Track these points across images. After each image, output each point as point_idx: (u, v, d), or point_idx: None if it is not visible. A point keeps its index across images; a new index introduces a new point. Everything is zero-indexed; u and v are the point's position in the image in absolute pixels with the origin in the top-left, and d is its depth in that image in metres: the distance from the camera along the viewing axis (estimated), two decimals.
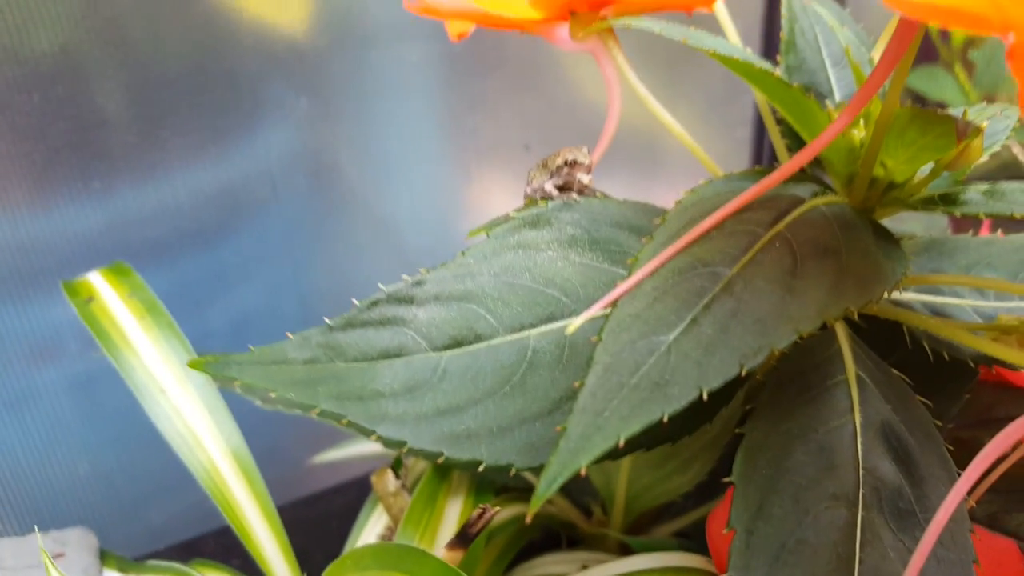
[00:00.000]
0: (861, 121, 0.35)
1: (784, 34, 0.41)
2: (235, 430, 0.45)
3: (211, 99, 0.64)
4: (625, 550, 0.46)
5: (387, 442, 0.32)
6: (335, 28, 0.68)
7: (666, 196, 0.39)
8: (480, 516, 0.35)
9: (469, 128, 0.76)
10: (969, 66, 0.85)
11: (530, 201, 0.39)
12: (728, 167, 0.38)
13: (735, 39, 0.40)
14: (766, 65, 0.34)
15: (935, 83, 0.83)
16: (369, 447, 0.64)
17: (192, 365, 0.32)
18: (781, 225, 0.31)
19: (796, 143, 0.39)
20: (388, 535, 0.46)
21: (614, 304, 0.29)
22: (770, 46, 0.80)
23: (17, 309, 0.62)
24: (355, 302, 0.33)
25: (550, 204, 0.36)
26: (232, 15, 0.64)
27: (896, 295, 0.38)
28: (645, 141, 0.82)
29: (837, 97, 0.40)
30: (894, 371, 0.35)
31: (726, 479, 0.30)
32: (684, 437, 0.33)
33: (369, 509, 0.48)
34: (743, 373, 0.26)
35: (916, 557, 0.27)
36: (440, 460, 0.31)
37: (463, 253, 0.35)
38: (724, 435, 0.43)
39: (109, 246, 0.64)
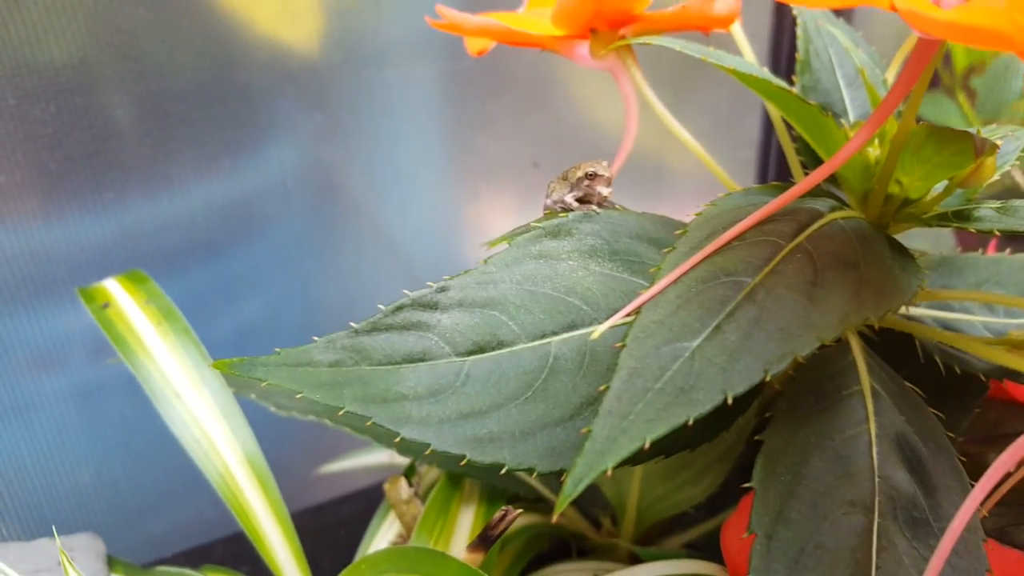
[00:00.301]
0: (876, 140, 0.36)
1: (800, 55, 0.41)
2: (250, 436, 0.45)
3: (224, 113, 0.65)
4: (635, 561, 0.46)
5: (409, 445, 0.32)
6: (347, 46, 0.69)
7: (672, 215, 0.39)
8: (502, 518, 0.35)
9: (478, 146, 0.77)
10: (971, 93, 0.86)
11: (550, 212, 0.39)
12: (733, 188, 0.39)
13: (751, 58, 0.41)
14: (784, 84, 0.35)
15: (938, 109, 0.84)
16: (375, 458, 0.64)
17: (217, 366, 0.33)
18: (802, 237, 0.31)
19: (812, 160, 0.39)
20: (400, 542, 0.46)
21: (637, 312, 0.29)
22: (777, 66, 0.81)
23: (28, 317, 0.62)
24: (380, 307, 0.33)
25: (570, 215, 0.37)
26: (246, 31, 0.65)
27: (908, 310, 0.39)
28: (652, 160, 0.82)
29: (851, 116, 0.40)
30: (907, 383, 0.35)
31: (746, 484, 0.31)
32: (704, 443, 0.34)
33: (381, 517, 0.48)
34: (767, 378, 0.27)
35: (933, 564, 0.28)
36: (463, 463, 0.31)
37: (486, 261, 0.35)
38: (737, 447, 0.44)
39: (120, 256, 0.64)
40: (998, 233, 0.33)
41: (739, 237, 0.31)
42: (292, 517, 0.45)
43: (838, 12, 0.44)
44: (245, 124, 0.66)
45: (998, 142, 0.32)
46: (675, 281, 0.30)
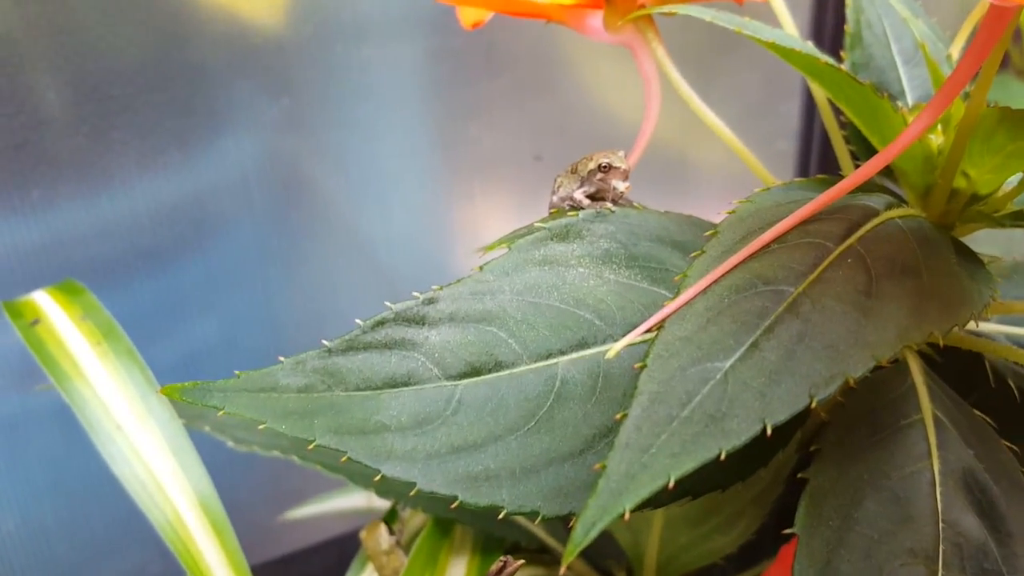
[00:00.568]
0: (939, 126, 0.36)
1: (849, 27, 0.41)
2: (203, 475, 0.45)
3: (173, 97, 0.65)
4: None
5: (390, 485, 0.32)
6: (318, 19, 0.69)
7: (700, 214, 0.39)
8: (500, 571, 0.35)
9: (471, 136, 0.77)
10: None
11: (557, 211, 0.39)
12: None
13: (792, 31, 0.41)
14: (831, 60, 0.35)
15: (1006, 92, 0.84)
16: (351, 501, 0.64)
17: (166, 392, 0.32)
18: (853, 239, 0.31)
19: (863, 150, 0.39)
20: None
21: (660, 327, 0.29)
22: (821, 40, 0.81)
23: None
24: (358, 322, 0.33)
25: (581, 214, 0.37)
26: (200, 1, 0.65)
27: (978, 325, 0.38)
28: (675, 152, 0.82)
29: (909, 98, 0.40)
30: (975, 411, 0.35)
31: (787, 531, 0.31)
32: (737, 483, 0.34)
33: (356, 570, 0.48)
34: (813, 405, 0.27)
35: None
36: (454, 505, 0.31)
37: (481, 268, 0.35)
38: (775, 487, 0.44)
39: (52, 265, 0.64)
40: None
41: (779, 239, 0.31)
42: (253, 571, 0.45)
43: None
44: (198, 111, 0.66)
45: None
46: (704, 291, 0.30)
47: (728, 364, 0.28)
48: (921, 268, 0.31)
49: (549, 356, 0.33)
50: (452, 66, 0.75)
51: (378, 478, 0.31)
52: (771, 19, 0.42)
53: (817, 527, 0.30)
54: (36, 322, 0.48)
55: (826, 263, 0.30)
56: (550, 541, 0.48)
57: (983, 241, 0.49)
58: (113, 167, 0.64)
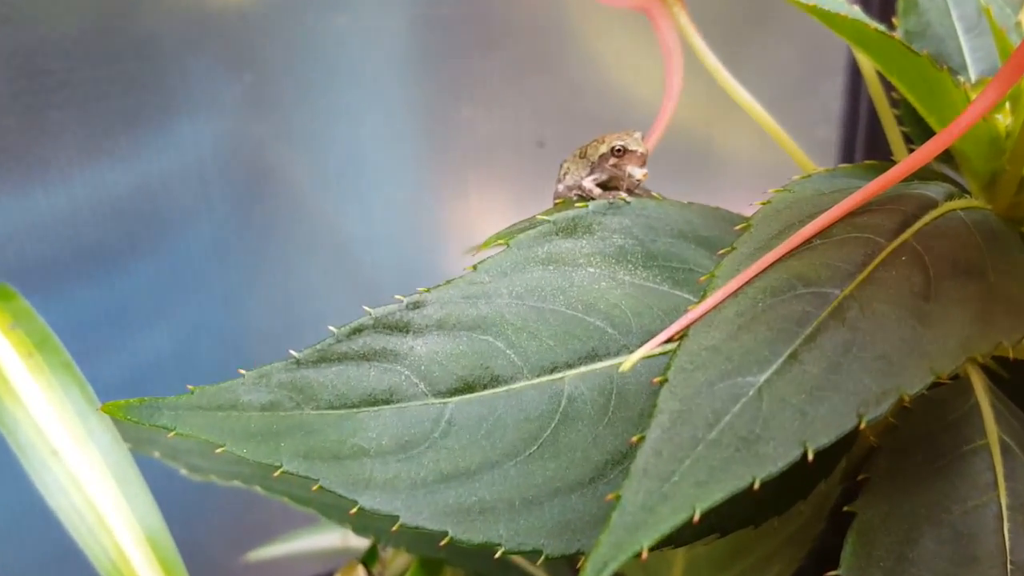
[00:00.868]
0: (1007, 103, 0.36)
1: None
2: (152, 507, 0.44)
3: (120, 73, 0.65)
4: None
5: (369, 520, 0.32)
6: None
7: (728, 205, 0.39)
8: None
9: (463, 118, 0.77)
10: None
11: (563, 202, 0.39)
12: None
13: None
14: (882, 28, 0.35)
15: None
16: (323, 539, 0.64)
17: (108, 411, 0.32)
18: (908, 233, 0.31)
19: (919, 131, 0.39)
20: None
21: (683, 335, 0.29)
22: (868, 5, 0.80)
23: None
24: (332, 329, 0.33)
25: (591, 205, 0.37)
26: None
27: None
28: (700, 134, 0.82)
29: (972, 72, 0.40)
30: None
31: (831, 574, 0.30)
32: (772, 517, 0.33)
33: None
34: (862, 426, 0.26)
35: None
36: (443, 542, 0.31)
37: (475, 267, 0.35)
38: (816, 522, 0.43)
39: None
40: None
41: (822, 234, 0.31)
42: None
43: None
44: (148, 88, 0.66)
45: None
46: (734, 294, 0.30)
47: (763, 378, 0.28)
48: (987, 268, 0.31)
49: (554, 370, 0.33)
50: (441, 38, 0.75)
51: (355, 511, 0.31)
52: None
53: (867, 569, 0.30)
54: None
55: (877, 261, 0.30)
56: None
57: None
58: (49, 153, 0.64)
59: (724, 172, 0.86)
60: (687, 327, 0.29)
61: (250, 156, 0.71)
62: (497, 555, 0.31)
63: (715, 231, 0.36)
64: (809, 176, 0.35)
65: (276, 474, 0.31)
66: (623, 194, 0.38)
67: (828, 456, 0.30)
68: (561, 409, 0.33)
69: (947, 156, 0.37)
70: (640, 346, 0.32)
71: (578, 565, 0.26)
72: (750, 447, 0.26)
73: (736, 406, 0.27)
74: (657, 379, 0.28)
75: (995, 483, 0.32)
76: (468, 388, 0.33)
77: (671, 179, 0.46)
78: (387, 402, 0.33)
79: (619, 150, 0.38)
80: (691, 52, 0.42)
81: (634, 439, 0.27)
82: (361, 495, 0.31)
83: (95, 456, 0.45)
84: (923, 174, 0.35)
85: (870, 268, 0.30)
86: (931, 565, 0.30)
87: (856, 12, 0.36)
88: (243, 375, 0.33)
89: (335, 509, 0.45)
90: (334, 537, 0.63)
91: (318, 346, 0.33)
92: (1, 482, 0.50)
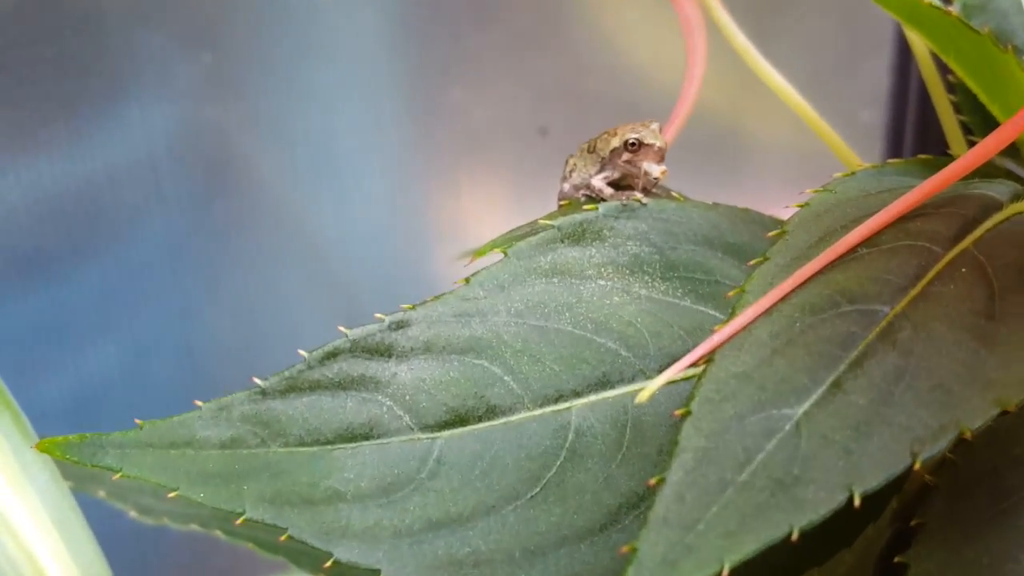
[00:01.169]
0: None
1: None
2: (97, 556, 0.44)
3: (61, 53, 0.65)
4: None
5: (346, 573, 0.32)
6: None
7: (759, 206, 0.39)
8: None
9: (454, 104, 0.77)
10: None
11: (569, 203, 0.39)
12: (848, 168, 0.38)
13: None
14: (936, 1, 0.35)
15: None
16: None
17: (45, 448, 0.32)
18: (968, 240, 0.31)
19: (980, 122, 0.39)
20: None
21: (709, 360, 0.29)
22: None
23: None
24: (302, 353, 0.33)
25: (601, 208, 0.37)
26: None
27: None
28: (726, 124, 0.82)
29: None
30: None
31: None
32: (812, 569, 0.33)
33: None
34: (916, 465, 0.26)
35: None
36: None
37: (468, 280, 0.35)
38: (858, 573, 0.43)
39: None
40: None
41: (869, 241, 0.31)
42: None
43: None
44: (91, 70, 0.66)
45: None
46: (768, 312, 0.30)
47: (801, 410, 0.27)
48: None
49: (559, 399, 0.33)
50: (430, 12, 0.75)
51: (329, 563, 0.31)
52: None
53: None
54: None
55: (932, 274, 0.30)
56: None
57: None
58: None
59: (754, 166, 0.86)
60: (713, 350, 0.29)
61: (209, 147, 0.71)
62: None
63: (745, 237, 0.36)
64: (853, 174, 0.34)
65: (238, 522, 0.31)
66: (638, 194, 0.38)
67: (876, 498, 0.29)
68: (567, 445, 0.33)
69: (1012, 150, 0.37)
70: (659, 372, 0.32)
71: None
72: (787, 491, 0.26)
73: (771, 443, 0.27)
74: (679, 411, 0.28)
75: None
76: (460, 421, 0.33)
77: (693, 175, 0.46)
78: (366, 437, 0.33)
79: (633, 144, 0.38)
80: (715, 27, 0.42)
81: (652, 481, 0.27)
82: (336, 546, 0.31)
83: (30, 496, 0.45)
84: (985, 171, 0.35)
85: (925, 281, 0.30)
86: None
87: None
88: (200, 407, 0.33)
89: (307, 558, 0.45)
90: None
91: (286, 373, 0.33)
92: None
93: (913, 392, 0.27)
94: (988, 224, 0.32)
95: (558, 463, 0.32)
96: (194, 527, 0.48)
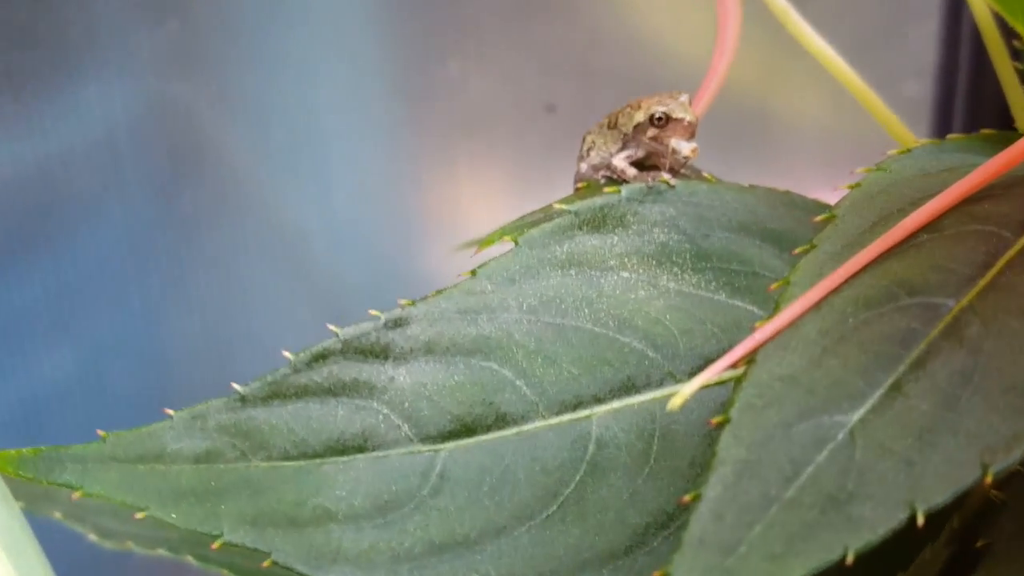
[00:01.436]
0: None
1: None
2: None
3: (6, 21, 0.65)
4: None
5: None
6: None
7: (800, 188, 0.39)
8: None
9: (451, 78, 0.77)
10: None
11: (587, 185, 0.39)
12: (891, 146, 0.38)
13: None
14: None
15: None
16: None
17: None
18: None
19: None
20: None
21: (750, 361, 0.29)
22: None
23: None
24: (287, 355, 0.33)
25: (624, 191, 0.36)
26: None
27: None
28: (758, 98, 0.82)
29: None
30: None
31: None
32: None
33: None
34: (988, 479, 0.26)
35: None
36: None
37: (474, 272, 0.35)
38: None
39: None
40: None
41: (930, 226, 0.31)
42: None
43: None
44: (43, 42, 0.66)
45: None
46: (817, 306, 0.30)
47: (855, 417, 0.27)
48: None
49: (578, 406, 0.33)
50: None
51: None
52: None
53: None
54: None
55: (1003, 262, 0.30)
56: None
57: None
58: None
59: (788, 144, 0.86)
60: (755, 350, 0.29)
61: (175, 127, 0.71)
62: None
63: (786, 222, 0.36)
64: (909, 151, 0.34)
65: (215, 546, 0.31)
66: (665, 175, 0.37)
67: (938, 516, 0.29)
68: (588, 457, 0.33)
69: None
70: (690, 375, 0.33)
71: None
72: (841, 508, 0.26)
73: (821, 454, 0.27)
74: (716, 419, 0.28)
75: None
76: (466, 431, 0.33)
77: (725, 153, 0.45)
78: (360, 450, 0.33)
79: (660, 118, 0.38)
80: None
81: (686, 498, 0.27)
82: (327, 572, 0.31)
83: None
84: None
85: (994, 271, 0.30)
86: None
87: None
88: (171, 416, 0.33)
89: None
90: None
91: (269, 378, 0.33)
92: None
93: (983, 395, 0.27)
94: None
95: (577, 478, 0.32)
96: (162, 552, 0.48)
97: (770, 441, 0.27)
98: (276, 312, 0.78)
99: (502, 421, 0.33)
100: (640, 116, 0.38)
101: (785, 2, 0.40)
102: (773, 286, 0.31)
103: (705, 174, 0.38)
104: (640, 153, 0.38)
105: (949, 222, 0.31)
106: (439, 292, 0.34)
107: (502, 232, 0.36)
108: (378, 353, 0.33)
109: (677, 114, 0.38)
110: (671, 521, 0.32)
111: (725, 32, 0.42)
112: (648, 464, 0.32)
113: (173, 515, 0.31)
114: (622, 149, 0.39)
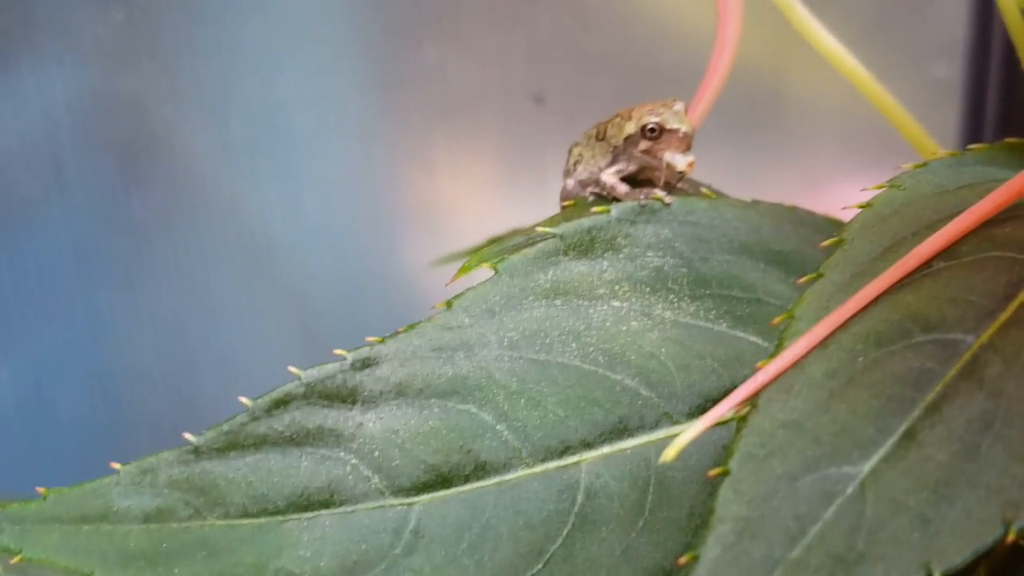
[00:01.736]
0: None
1: None
2: None
3: None
4: None
5: None
6: None
7: (811, 202, 0.39)
8: None
9: (430, 66, 0.77)
10: None
11: (574, 203, 0.39)
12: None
13: None
14: None
15: None
16: None
17: None
18: None
19: None
20: None
21: (752, 404, 0.29)
22: None
23: None
24: (244, 401, 0.33)
25: (614, 210, 0.37)
26: None
27: None
28: (767, 94, 0.82)
29: None
30: None
31: None
32: None
33: None
34: (1010, 537, 0.26)
35: None
36: None
37: (449, 304, 0.35)
38: None
39: None
40: None
41: (947, 252, 0.31)
42: None
43: None
44: None
45: None
46: (824, 343, 0.30)
47: (866, 468, 0.28)
48: None
49: (565, 452, 0.33)
50: None
51: None
52: None
53: None
54: None
55: None
56: None
57: None
58: None
59: (810, 126, 0.85)
60: (756, 393, 0.29)
61: (123, 123, 0.71)
62: None
63: (793, 243, 0.36)
64: (926, 164, 0.34)
65: None
66: (659, 192, 0.38)
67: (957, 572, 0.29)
68: (576, 509, 0.33)
69: None
70: (690, 415, 0.33)
71: None
72: (850, 570, 0.26)
73: (829, 510, 0.27)
74: (714, 471, 0.28)
75: None
76: (442, 482, 0.33)
77: (729, 160, 0.45)
78: (326, 505, 0.33)
79: (653, 130, 0.38)
80: None
81: (682, 559, 0.27)
82: None
83: None
84: None
85: (1016, 303, 0.30)
86: None
87: None
88: (118, 470, 0.33)
89: None
90: None
91: (225, 426, 0.33)
92: None
93: (1004, 444, 0.28)
94: None
95: (565, 532, 0.32)
96: None
97: (773, 496, 0.27)
98: (240, 327, 0.78)
99: (482, 470, 0.33)
100: (631, 127, 0.38)
101: None
102: (775, 320, 0.31)
103: (704, 189, 0.38)
104: (632, 167, 0.39)
105: (967, 248, 0.31)
106: (411, 327, 0.34)
107: (480, 258, 0.36)
108: (344, 397, 0.33)
109: (671, 125, 0.38)
110: None
111: (726, 26, 0.42)
112: (643, 516, 0.32)
113: None
114: (612, 163, 0.39)
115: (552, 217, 0.37)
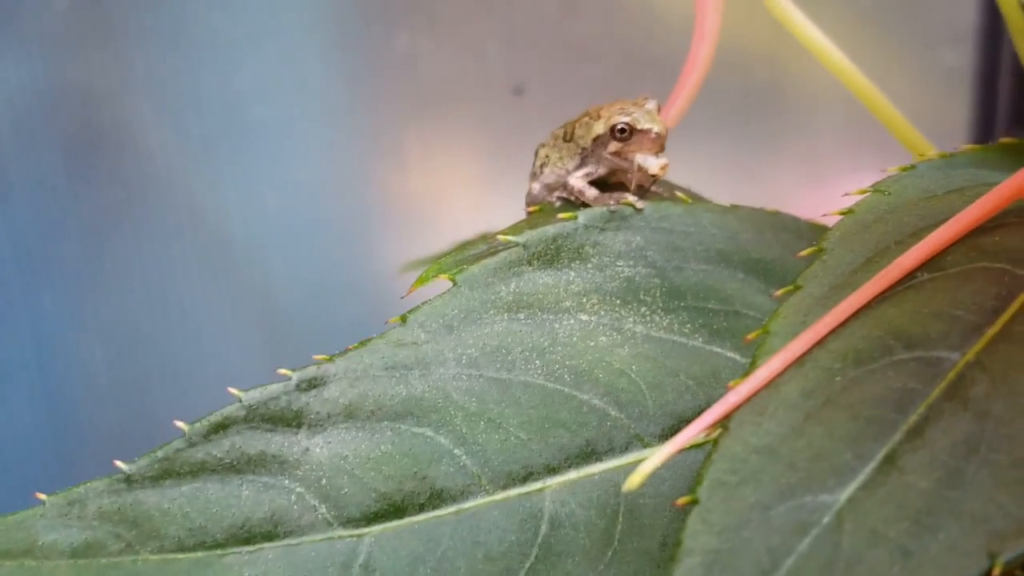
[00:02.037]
0: None
1: None
2: None
3: None
4: None
5: None
6: None
7: (794, 206, 0.39)
8: None
9: (401, 55, 0.77)
10: None
11: (539, 209, 0.39)
12: (926, 127, 0.38)
13: None
14: None
15: None
16: None
17: None
18: None
19: None
20: None
21: (723, 426, 0.29)
22: None
23: None
24: (180, 425, 0.33)
25: (581, 216, 0.37)
26: None
27: None
28: (756, 77, 0.82)
29: None
30: None
31: None
32: None
33: None
34: (995, 571, 0.26)
35: None
36: None
37: (403, 319, 0.35)
38: None
39: None
40: None
41: (931, 263, 0.31)
42: None
43: None
44: None
45: None
46: (800, 360, 0.30)
47: (843, 497, 0.28)
48: None
49: (528, 478, 0.34)
50: None
51: None
52: None
53: None
54: None
55: (1015, 306, 0.30)
56: None
57: None
58: None
59: (809, 114, 0.86)
60: (728, 415, 0.29)
61: (70, 117, 0.71)
62: None
63: (774, 250, 0.36)
64: (914, 167, 0.34)
65: None
66: (630, 197, 0.38)
67: None
68: (540, 540, 0.33)
69: None
70: (662, 437, 0.33)
71: None
72: None
73: (804, 542, 0.27)
74: (683, 500, 0.28)
75: None
76: (395, 511, 0.33)
77: (711, 160, 0.45)
78: (269, 538, 0.33)
79: (623, 130, 0.38)
80: None
81: None
82: None
83: None
84: None
85: (1005, 317, 0.30)
86: None
87: None
88: (43, 501, 0.32)
89: None
90: None
91: (159, 453, 0.33)
92: None
93: (990, 470, 0.28)
94: None
95: (527, 565, 0.32)
96: None
97: (744, 526, 0.27)
98: (199, 336, 0.78)
99: (438, 498, 0.33)
100: (600, 127, 0.38)
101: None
102: (749, 336, 0.31)
103: (679, 192, 0.38)
104: (601, 170, 0.39)
105: (954, 258, 0.31)
106: (362, 344, 0.34)
107: (438, 268, 0.36)
108: (289, 420, 0.33)
109: (642, 125, 0.38)
110: None
111: (704, 18, 0.42)
112: (611, 547, 0.33)
113: None
114: (580, 166, 0.39)
115: (516, 224, 0.37)
